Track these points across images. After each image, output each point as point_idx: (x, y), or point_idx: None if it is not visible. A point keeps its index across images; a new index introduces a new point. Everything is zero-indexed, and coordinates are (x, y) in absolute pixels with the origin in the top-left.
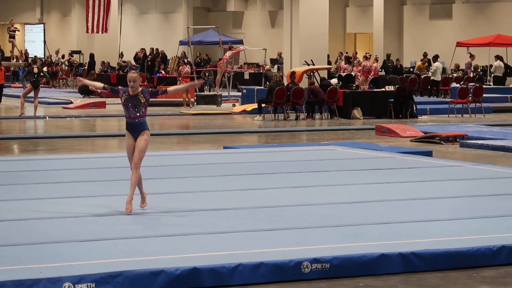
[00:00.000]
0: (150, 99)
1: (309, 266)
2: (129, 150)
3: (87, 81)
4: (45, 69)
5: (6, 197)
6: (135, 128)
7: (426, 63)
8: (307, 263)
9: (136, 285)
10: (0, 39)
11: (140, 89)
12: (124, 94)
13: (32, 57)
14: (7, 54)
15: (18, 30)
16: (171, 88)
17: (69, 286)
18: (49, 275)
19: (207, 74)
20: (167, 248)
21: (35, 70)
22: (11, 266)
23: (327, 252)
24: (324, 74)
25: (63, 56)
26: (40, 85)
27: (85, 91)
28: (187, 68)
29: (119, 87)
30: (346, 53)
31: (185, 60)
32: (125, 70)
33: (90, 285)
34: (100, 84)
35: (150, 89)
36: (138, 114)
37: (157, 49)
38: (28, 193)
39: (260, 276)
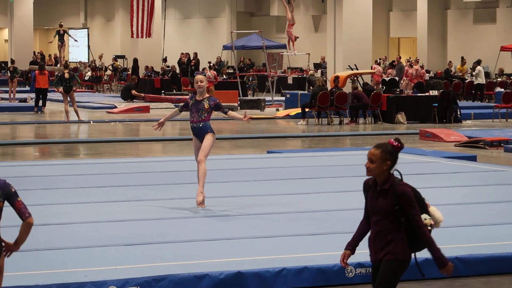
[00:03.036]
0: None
1: (353, 271)
2: (196, 152)
3: (164, 119)
4: (89, 73)
5: (51, 201)
6: (198, 132)
7: (465, 65)
8: (351, 268)
9: None
10: (43, 44)
11: (207, 95)
12: (191, 100)
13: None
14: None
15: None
16: (231, 113)
17: None
18: (94, 279)
19: (250, 79)
20: (211, 252)
21: (66, 75)
22: (56, 270)
23: None
24: (367, 78)
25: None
26: (74, 90)
27: (129, 96)
28: (209, 73)
29: (187, 98)
30: (379, 59)
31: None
32: (169, 75)
33: None
34: (175, 112)
35: (217, 100)
36: (200, 119)
37: (195, 54)
38: (72, 197)
39: (304, 281)
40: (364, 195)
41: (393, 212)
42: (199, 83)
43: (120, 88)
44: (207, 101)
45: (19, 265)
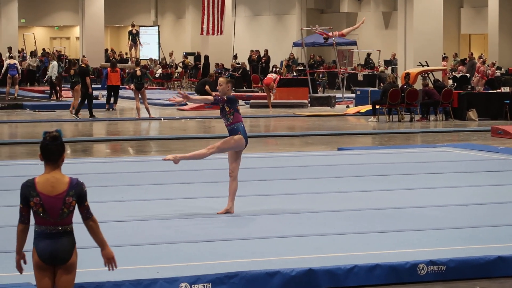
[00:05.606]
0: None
1: (425, 268)
2: (229, 157)
3: (195, 97)
4: (159, 71)
5: (123, 198)
6: (231, 135)
7: None
8: (423, 265)
9: (251, 286)
10: (114, 42)
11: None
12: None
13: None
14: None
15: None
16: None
17: (185, 286)
18: (166, 275)
19: (320, 76)
20: (282, 249)
21: (138, 73)
22: (128, 266)
23: (443, 254)
24: (438, 75)
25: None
26: (145, 87)
27: (201, 91)
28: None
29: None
30: (444, 53)
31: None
32: (239, 72)
33: (206, 285)
34: (210, 98)
35: (229, 96)
36: (228, 122)
37: (266, 51)
38: (144, 194)
39: (375, 278)
40: None
41: None
42: (218, 87)
43: (191, 85)
44: (226, 104)
45: (91, 262)
